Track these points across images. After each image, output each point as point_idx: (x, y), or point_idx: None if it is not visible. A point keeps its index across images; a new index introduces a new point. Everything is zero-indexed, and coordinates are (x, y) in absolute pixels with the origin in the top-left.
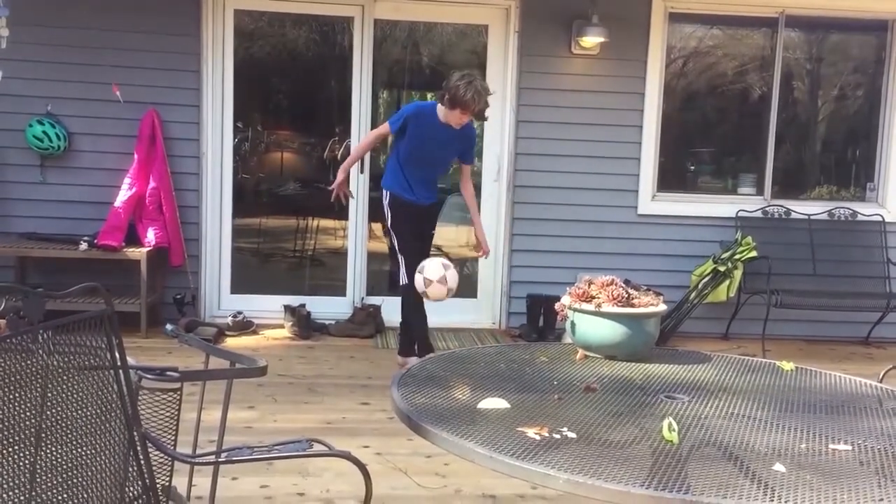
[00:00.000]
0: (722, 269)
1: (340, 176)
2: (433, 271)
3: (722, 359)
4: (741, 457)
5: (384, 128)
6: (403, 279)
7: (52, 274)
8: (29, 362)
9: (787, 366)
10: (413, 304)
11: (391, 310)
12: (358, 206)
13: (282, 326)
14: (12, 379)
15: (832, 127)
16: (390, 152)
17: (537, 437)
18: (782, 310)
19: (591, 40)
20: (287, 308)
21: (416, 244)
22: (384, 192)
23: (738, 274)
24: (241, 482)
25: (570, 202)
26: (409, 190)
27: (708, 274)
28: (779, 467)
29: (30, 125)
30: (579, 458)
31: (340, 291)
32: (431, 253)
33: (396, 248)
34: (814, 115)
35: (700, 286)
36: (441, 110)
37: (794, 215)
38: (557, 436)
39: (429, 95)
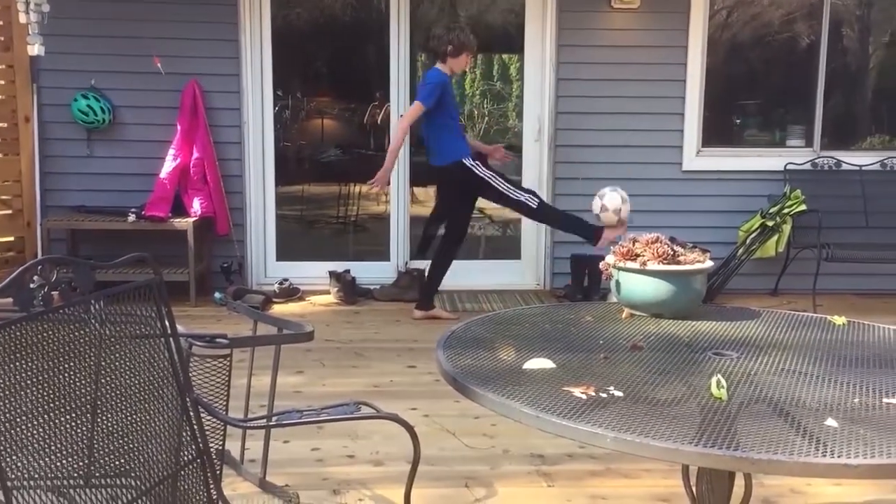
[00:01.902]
0: (770, 223)
1: (389, 166)
2: (612, 202)
3: (771, 314)
4: (792, 412)
5: (418, 107)
6: (533, 203)
7: (101, 245)
8: (82, 332)
9: (839, 320)
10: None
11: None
12: (400, 170)
13: (327, 292)
14: (67, 348)
15: (884, 74)
16: (441, 128)
17: (584, 397)
18: (833, 263)
19: None
20: (332, 274)
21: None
22: (468, 164)
23: (786, 228)
24: (292, 445)
25: (614, 160)
26: (469, 146)
27: (756, 229)
28: (831, 422)
29: (75, 99)
30: (627, 417)
31: (384, 256)
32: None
33: (508, 186)
34: (864, 63)
35: (748, 242)
36: (446, 66)
37: (844, 167)
38: (604, 395)
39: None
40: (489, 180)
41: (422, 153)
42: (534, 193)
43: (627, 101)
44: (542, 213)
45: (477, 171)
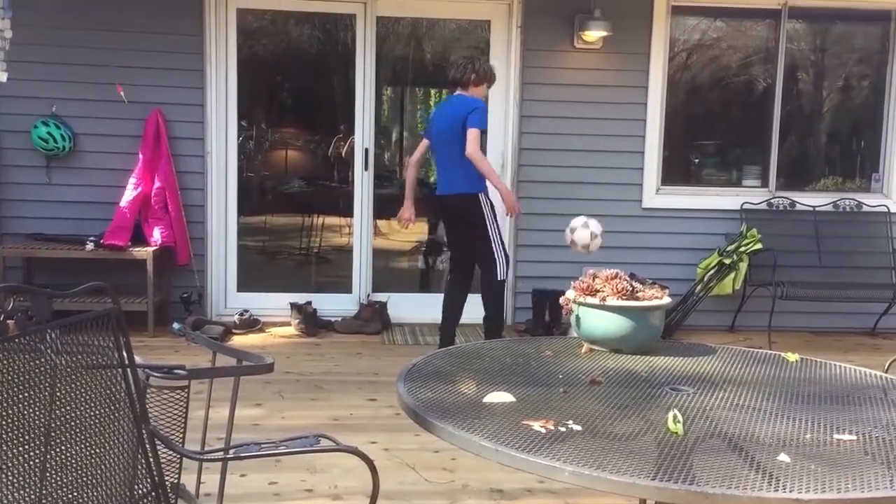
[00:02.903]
0: (727, 261)
1: (507, 191)
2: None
3: (727, 351)
4: (746, 447)
5: (477, 133)
6: (502, 274)
7: (58, 274)
8: (37, 362)
9: (792, 357)
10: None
11: (397, 306)
12: (363, 202)
13: (288, 324)
14: (21, 379)
15: (837, 118)
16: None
17: (543, 431)
18: (788, 301)
19: (594, 34)
20: (293, 306)
21: None
22: (480, 196)
23: (743, 266)
24: (249, 479)
25: (575, 196)
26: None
27: (713, 267)
28: (783, 457)
29: (35, 126)
30: (585, 451)
31: (346, 288)
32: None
33: (498, 242)
34: (818, 107)
35: (705, 279)
36: (468, 94)
37: (799, 207)
38: (563, 429)
39: (433, 92)
40: (493, 223)
41: (385, 186)
42: (508, 262)
43: (589, 139)
44: (499, 289)
45: (484, 211)
